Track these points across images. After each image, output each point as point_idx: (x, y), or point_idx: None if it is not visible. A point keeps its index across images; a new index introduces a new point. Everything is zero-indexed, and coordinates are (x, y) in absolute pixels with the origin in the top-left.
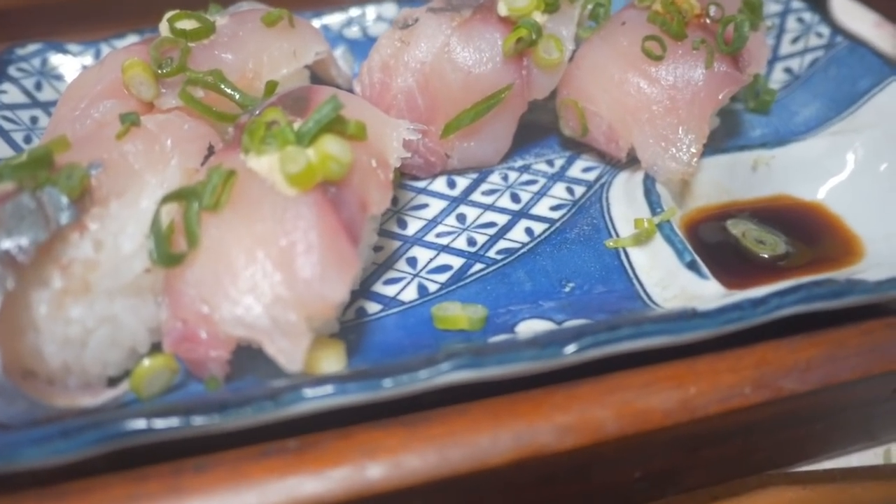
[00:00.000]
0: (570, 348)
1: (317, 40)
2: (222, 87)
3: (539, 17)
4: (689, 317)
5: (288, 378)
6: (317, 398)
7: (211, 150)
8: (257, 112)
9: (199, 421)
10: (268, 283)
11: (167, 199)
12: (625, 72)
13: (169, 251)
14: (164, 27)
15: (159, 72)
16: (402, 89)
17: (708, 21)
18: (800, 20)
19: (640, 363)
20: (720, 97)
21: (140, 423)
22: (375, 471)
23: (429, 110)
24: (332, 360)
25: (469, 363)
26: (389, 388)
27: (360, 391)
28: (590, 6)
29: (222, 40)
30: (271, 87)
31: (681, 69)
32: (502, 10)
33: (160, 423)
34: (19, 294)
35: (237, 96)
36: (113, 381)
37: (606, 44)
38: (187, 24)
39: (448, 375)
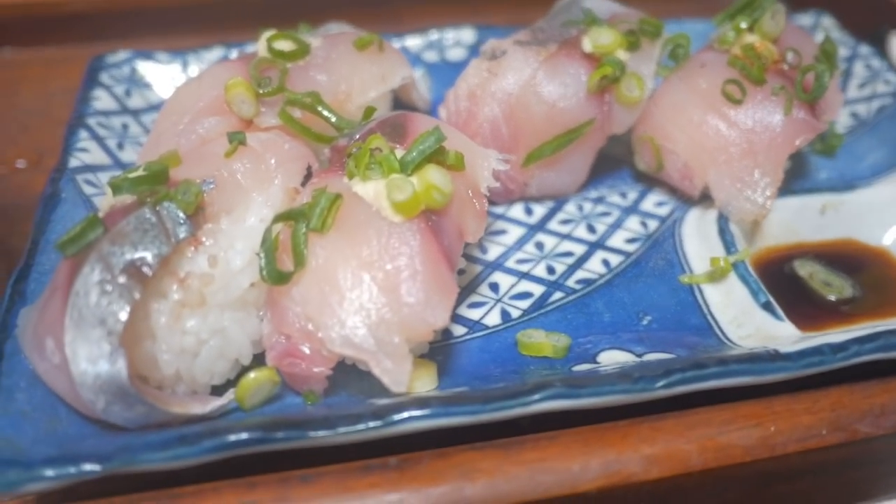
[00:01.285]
0: (660, 383)
1: (403, 65)
2: (319, 108)
3: (622, 55)
4: (772, 359)
5: (387, 396)
6: (420, 418)
7: (309, 171)
8: (357, 137)
9: (312, 434)
10: (373, 306)
11: (278, 218)
12: (704, 113)
13: (278, 269)
14: (262, 47)
15: (260, 91)
16: (488, 118)
17: (786, 67)
18: (867, 66)
19: (720, 398)
20: (797, 143)
21: (258, 434)
22: (472, 491)
23: (512, 139)
24: (426, 381)
25: (564, 393)
26: (489, 411)
27: (462, 414)
28: (669, 46)
29: (317, 62)
30: (369, 112)
31: (760, 114)
32: (587, 46)
33: (277, 434)
34: (140, 304)
35: (333, 119)
36: (216, 390)
37: (686, 84)
38: (285, 45)
39: (544, 404)
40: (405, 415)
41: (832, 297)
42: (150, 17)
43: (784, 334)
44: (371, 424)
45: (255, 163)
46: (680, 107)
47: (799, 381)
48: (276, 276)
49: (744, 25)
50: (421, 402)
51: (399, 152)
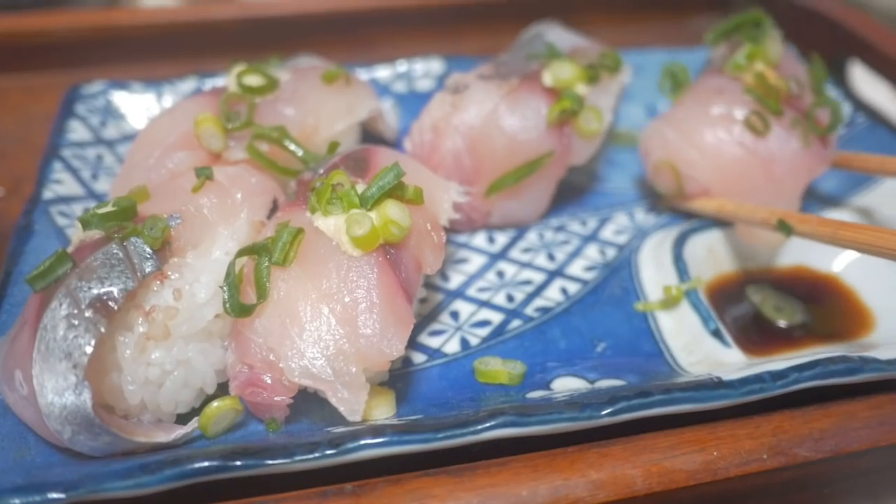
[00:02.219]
0: (606, 411)
1: (370, 97)
2: (286, 142)
3: (581, 89)
4: (714, 386)
5: (345, 425)
6: (375, 446)
7: (275, 204)
8: (321, 171)
9: (270, 462)
10: (332, 337)
11: (241, 253)
12: (726, 141)
13: (241, 302)
14: (231, 81)
15: (228, 126)
16: (451, 150)
17: (791, 97)
18: None
19: (666, 424)
20: (814, 174)
21: (217, 462)
22: None
23: (474, 171)
24: (384, 408)
25: (514, 422)
26: (441, 439)
27: (414, 442)
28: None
29: (285, 95)
30: (333, 146)
31: (780, 145)
32: (547, 80)
33: (234, 463)
34: (106, 337)
35: (300, 153)
36: (180, 418)
37: (703, 109)
38: (254, 80)
39: (493, 432)
40: (360, 443)
41: (782, 323)
42: (128, 46)
43: (731, 360)
44: (327, 452)
45: (221, 197)
46: (699, 133)
47: (744, 407)
48: (239, 309)
49: (744, 53)
50: (375, 431)
51: (360, 187)
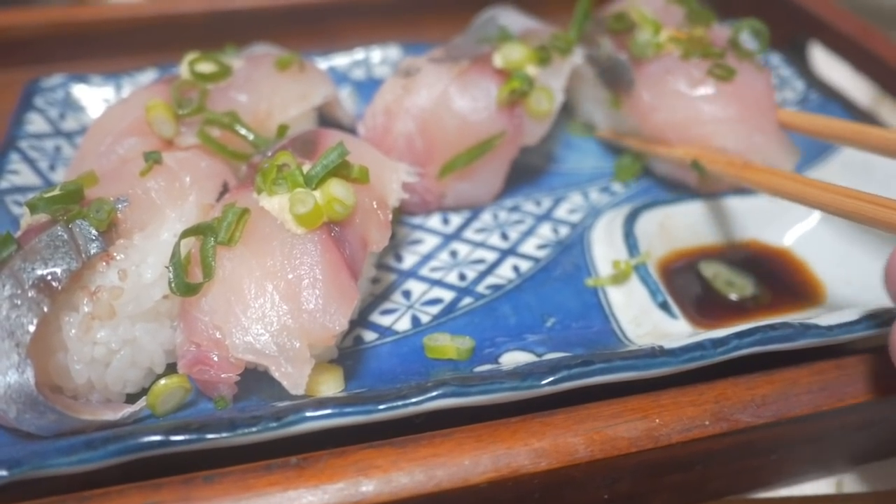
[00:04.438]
0: (547, 380)
1: (325, 84)
2: (237, 127)
3: (531, 70)
4: (655, 354)
5: (291, 400)
6: (317, 418)
7: (225, 187)
8: (269, 153)
9: (211, 436)
10: (275, 313)
11: (186, 233)
12: (709, 103)
13: (187, 281)
14: (184, 69)
15: (180, 112)
16: (403, 132)
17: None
18: (777, 75)
19: (611, 395)
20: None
21: (158, 437)
22: (368, 487)
23: (426, 153)
24: (331, 384)
25: (455, 392)
26: (382, 411)
27: (356, 414)
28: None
29: (238, 82)
30: (282, 130)
31: (747, 78)
32: (498, 62)
33: (176, 437)
34: (52, 317)
35: (251, 137)
36: (131, 398)
37: (674, 87)
38: (207, 67)
39: (435, 402)
40: (302, 415)
41: (734, 297)
42: (93, 42)
43: (678, 331)
44: (269, 425)
45: (169, 181)
46: (683, 112)
47: (690, 377)
48: (185, 288)
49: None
50: (318, 404)
51: (307, 167)
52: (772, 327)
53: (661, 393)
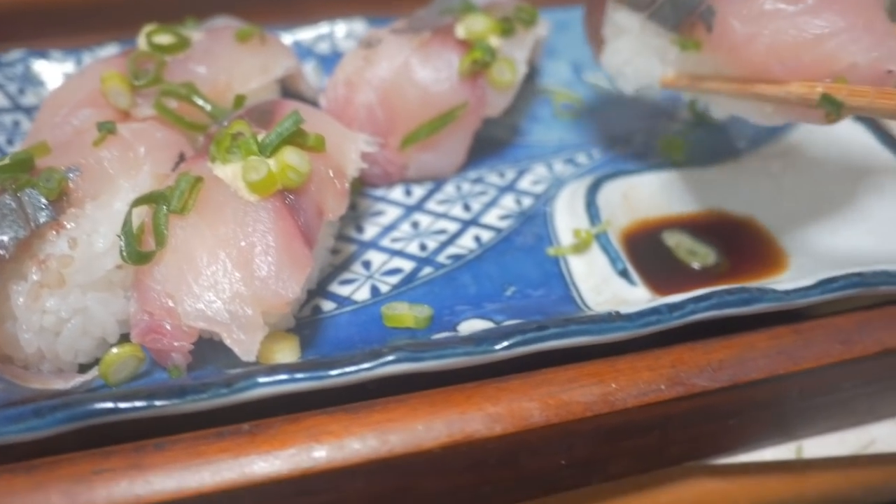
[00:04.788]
0: (501, 345)
1: (286, 56)
2: (194, 98)
3: (494, 41)
4: (611, 319)
5: (244, 367)
6: (268, 384)
7: (182, 158)
8: (225, 123)
9: (160, 403)
10: (227, 281)
11: (138, 201)
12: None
13: (138, 250)
14: (142, 41)
15: (136, 83)
16: (364, 104)
17: None
18: None
19: (569, 361)
20: None
21: (106, 404)
22: (320, 453)
23: (388, 124)
24: (287, 353)
25: (408, 357)
26: (335, 377)
27: (308, 380)
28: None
29: (197, 54)
30: (239, 100)
31: None
32: (460, 32)
33: (124, 405)
34: (1, 287)
35: (208, 107)
36: (84, 368)
37: None
38: (164, 39)
39: (388, 367)
40: (253, 381)
41: (696, 266)
42: (53, 18)
43: (636, 298)
44: (220, 391)
45: (122, 151)
46: (794, 32)
47: (650, 343)
48: (136, 257)
49: None
50: (269, 370)
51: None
52: (728, 292)
53: (618, 358)
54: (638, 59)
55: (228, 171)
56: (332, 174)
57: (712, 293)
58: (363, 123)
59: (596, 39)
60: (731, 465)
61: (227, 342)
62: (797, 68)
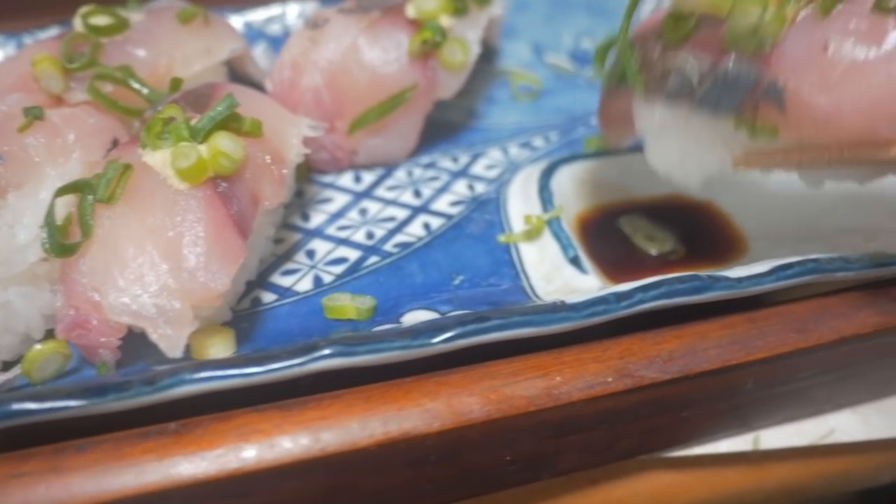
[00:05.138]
0: (439, 338)
1: (232, 38)
2: (130, 82)
3: (446, 21)
4: (556, 309)
5: (173, 364)
6: (193, 381)
7: (115, 144)
8: (159, 108)
9: (76, 403)
10: (154, 273)
11: (62, 191)
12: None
13: (61, 241)
14: (78, 22)
15: (69, 66)
16: (310, 87)
17: None
18: None
19: (515, 353)
20: None
21: (22, 405)
22: (249, 452)
23: (335, 107)
24: (220, 348)
25: (342, 352)
26: (264, 373)
27: (236, 377)
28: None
29: (136, 36)
30: (175, 83)
31: None
32: (410, 12)
33: (37, 405)
34: None
35: (145, 91)
36: (8, 366)
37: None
38: (101, 20)
39: (321, 362)
40: (178, 378)
41: (654, 252)
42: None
43: (587, 287)
44: (143, 390)
45: (50, 137)
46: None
47: (600, 333)
48: (59, 249)
49: None
50: (196, 366)
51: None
52: (679, 280)
53: (564, 350)
54: (695, 152)
55: (158, 158)
56: (269, 160)
57: (661, 281)
58: (309, 107)
59: (618, 130)
60: (687, 458)
61: (153, 338)
62: None
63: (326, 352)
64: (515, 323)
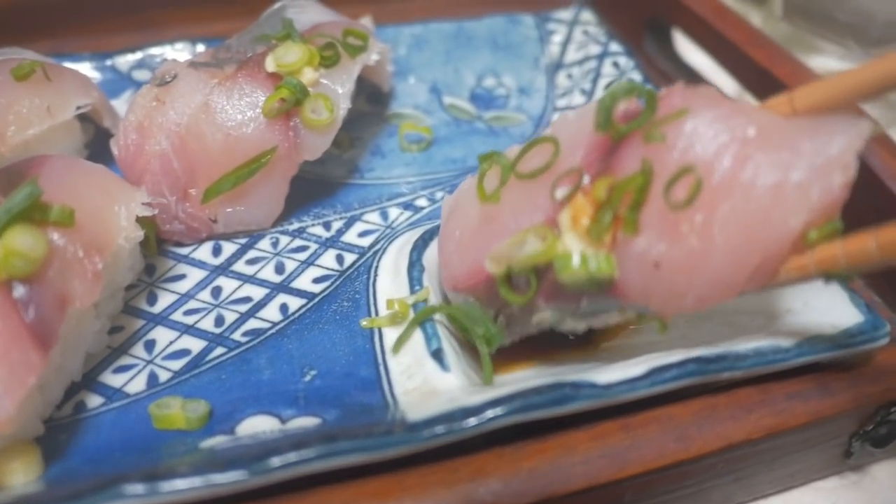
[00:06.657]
0: (226, 477)
1: (80, 92)
2: None
3: (311, 74)
4: (389, 431)
5: None
6: None
7: None
8: None
9: None
10: None
11: None
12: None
13: None
14: None
15: None
16: (157, 153)
17: None
18: (615, 64)
19: (355, 473)
20: None
21: None
22: None
23: (187, 174)
24: (21, 472)
25: (143, 492)
26: None
27: None
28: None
29: None
30: None
31: None
32: (270, 65)
33: None
34: None
35: None
36: None
37: None
38: None
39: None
40: None
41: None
42: None
43: (446, 387)
44: None
45: None
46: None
47: (453, 448)
48: None
49: None
50: None
51: None
52: (536, 391)
53: (409, 472)
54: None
55: None
56: (82, 254)
57: (517, 394)
58: (157, 175)
59: None
60: None
61: None
62: (768, 251)
63: (125, 489)
64: (342, 449)
